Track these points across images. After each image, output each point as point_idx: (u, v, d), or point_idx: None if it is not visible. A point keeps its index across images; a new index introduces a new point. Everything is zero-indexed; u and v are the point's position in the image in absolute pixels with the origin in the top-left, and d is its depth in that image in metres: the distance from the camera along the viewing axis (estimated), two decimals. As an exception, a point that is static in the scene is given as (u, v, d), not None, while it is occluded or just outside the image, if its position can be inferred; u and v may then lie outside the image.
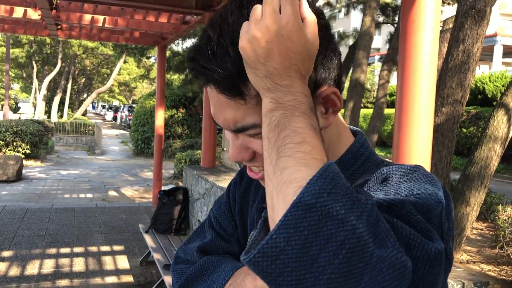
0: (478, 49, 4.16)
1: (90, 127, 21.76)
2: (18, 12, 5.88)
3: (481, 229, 6.97)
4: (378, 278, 0.48)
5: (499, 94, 16.53)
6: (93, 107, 62.25)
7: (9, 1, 5.70)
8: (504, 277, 4.93)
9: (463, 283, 1.82)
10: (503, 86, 16.66)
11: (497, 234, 5.89)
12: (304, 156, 0.54)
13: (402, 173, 0.68)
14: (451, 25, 5.29)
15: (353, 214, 0.48)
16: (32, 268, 4.66)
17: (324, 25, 0.71)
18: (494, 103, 16.15)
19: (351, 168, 0.80)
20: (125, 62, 30.25)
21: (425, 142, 1.98)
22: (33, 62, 30.20)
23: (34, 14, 5.94)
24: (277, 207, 0.53)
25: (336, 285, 0.47)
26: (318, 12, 0.71)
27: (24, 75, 34.86)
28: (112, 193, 9.68)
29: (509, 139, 5.17)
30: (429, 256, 0.53)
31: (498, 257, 5.58)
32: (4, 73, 26.50)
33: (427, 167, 2.08)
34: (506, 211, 6.24)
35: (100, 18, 6.16)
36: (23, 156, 11.85)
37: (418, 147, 1.96)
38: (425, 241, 0.54)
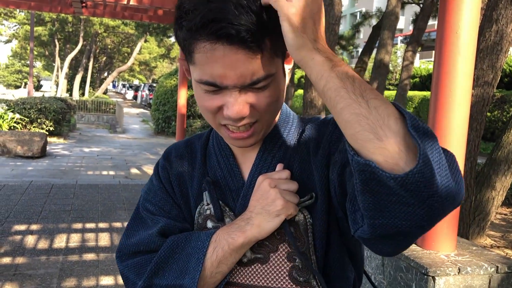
0: None
1: (111, 106, 21.97)
2: (45, -11, 5.91)
3: (505, 214, 6.88)
4: (452, 169, 0.66)
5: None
6: (114, 86, 62.75)
7: (36, -22, 5.73)
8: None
9: (497, 266, 1.81)
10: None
11: (522, 219, 5.82)
12: (382, 98, 0.68)
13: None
14: (482, 5, 5.14)
15: (431, 129, 0.66)
16: (59, 242, 4.78)
17: None
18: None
19: (287, 126, 0.96)
20: (146, 41, 30.32)
21: (461, 123, 1.94)
22: (56, 40, 30.47)
23: (60, -9, 5.97)
24: (385, 136, 0.64)
25: (448, 177, 0.64)
26: None
27: (47, 53, 35.23)
28: (134, 170, 9.80)
29: (539, 123, 5.05)
30: (451, 156, 0.70)
31: (523, 243, 5.51)
32: (28, 51, 26.80)
33: (462, 149, 2.05)
34: (532, 197, 6.14)
35: (125, -5, 6.16)
36: (47, 133, 12.05)
37: (454, 129, 1.93)
38: (444, 148, 0.70)
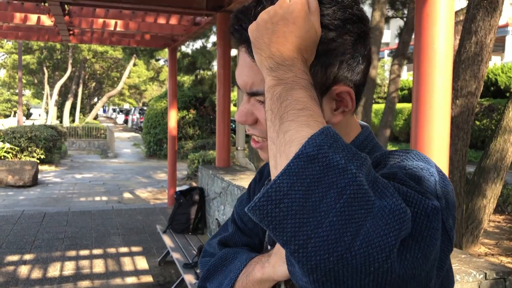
0: (491, 40, 4.14)
1: (102, 131, 21.94)
2: (32, 19, 5.96)
3: (499, 222, 6.93)
4: (380, 223, 0.50)
5: None
6: (104, 111, 62.68)
7: (23, 9, 5.78)
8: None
9: (485, 273, 1.83)
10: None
11: (515, 226, 5.86)
12: (306, 119, 0.58)
13: (396, 156, 0.71)
14: (462, 17, 5.26)
15: (353, 165, 0.52)
16: (53, 271, 4.74)
17: (360, 31, 0.74)
18: (508, 94, 16.00)
19: None
20: (134, 65, 30.44)
21: (442, 135, 1.99)
22: (44, 68, 30.51)
23: (47, 21, 6.02)
24: (280, 165, 0.56)
25: (338, 227, 0.50)
26: (361, 17, 0.74)
27: (36, 81, 35.23)
28: (127, 195, 9.77)
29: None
30: (426, 211, 0.55)
31: (517, 249, 5.54)
32: (17, 80, 26.81)
33: (445, 160, 2.09)
34: (523, 203, 6.20)
35: (112, 22, 6.23)
36: (38, 161, 11.99)
37: (435, 141, 1.97)
38: (421, 198, 0.56)
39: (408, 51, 11.85)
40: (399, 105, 16.32)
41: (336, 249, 0.49)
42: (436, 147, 1.98)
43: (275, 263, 0.80)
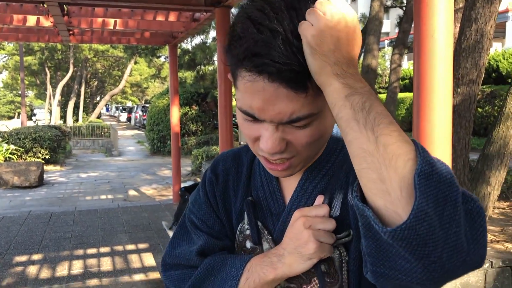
0: (491, 27, 4.13)
1: (106, 129, 21.98)
2: (31, 20, 5.97)
3: (503, 208, 6.91)
4: (475, 226, 0.61)
5: (515, 72, 16.27)
6: (107, 109, 62.80)
7: (22, 11, 5.79)
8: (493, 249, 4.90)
9: (491, 262, 1.84)
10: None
11: (520, 212, 5.85)
12: (400, 134, 0.62)
13: None
14: (461, 5, 5.23)
15: (452, 175, 0.59)
16: (62, 270, 4.78)
17: None
18: (509, 80, 15.92)
19: (334, 154, 0.89)
20: (136, 63, 30.44)
21: (444, 123, 1.99)
22: (46, 69, 30.56)
23: (46, 22, 6.03)
24: (389, 179, 0.59)
25: (461, 237, 0.58)
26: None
27: (38, 82, 35.30)
28: (132, 192, 9.81)
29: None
30: (478, 209, 0.62)
31: (522, 235, 5.53)
32: (19, 81, 26.86)
33: (448, 149, 2.10)
34: (528, 189, 6.19)
35: (111, 21, 6.23)
36: (43, 161, 12.04)
37: (437, 130, 1.98)
38: (471, 196, 0.63)
39: (408, 40, 11.81)
40: (400, 95, 16.28)
41: (461, 255, 0.59)
42: (438, 136, 1.98)
43: (292, 262, 0.82)
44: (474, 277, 1.78)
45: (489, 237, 5.43)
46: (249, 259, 0.88)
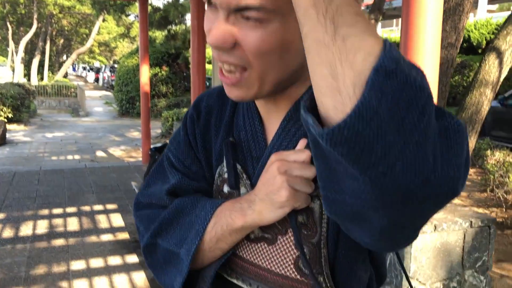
0: (472, -11, 4.06)
1: (72, 89, 21.33)
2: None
3: (470, 175, 7.08)
4: (451, 143, 0.51)
5: (484, 42, 16.48)
6: (74, 69, 60.86)
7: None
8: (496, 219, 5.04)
9: (471, 221, 1.81)
10: (488, 33, 16.59)
11: (486, 178, 5.99)
12: (365, 26, 0.50)
13: None
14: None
15: (426, 83, 0.49)
16: (26, 230, 4.62)
17: None
18: (480, 50, 16.12)
19: None
20: (104, 20, 29.38)
21: (432, 81, 1.92)
22: (8, 23, 29.14)
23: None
24: (342, 75, 0.49)
25: (424, 149, 0.48)
26: None
27: (-1, 37, 33.74)
28: (100, 153, 9.58)
29: (500, 83, 5.15)
30: (456, 126, 0.54)
31: (488, 200, 5.69)
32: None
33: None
34: (495, 156, 6.32)
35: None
36: (5, 120, 11.58)
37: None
38: (449, 113, 0.54)
39: (384, 7, 11.71)
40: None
41: (422, 171, 0.48)
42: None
43: (262, 210, 0.74)
44: (454, 236, 1.76)
45: (457, 202, 5.55)
46: (221, 203, 0.81)
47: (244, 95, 0.74)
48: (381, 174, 0.47)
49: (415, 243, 1.78)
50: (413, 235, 0.61)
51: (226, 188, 0.85)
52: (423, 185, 0.48)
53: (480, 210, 5.29)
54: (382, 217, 0.53)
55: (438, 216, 1.91)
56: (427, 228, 1.79)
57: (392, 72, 0.47)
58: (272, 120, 0.82)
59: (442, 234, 1.75)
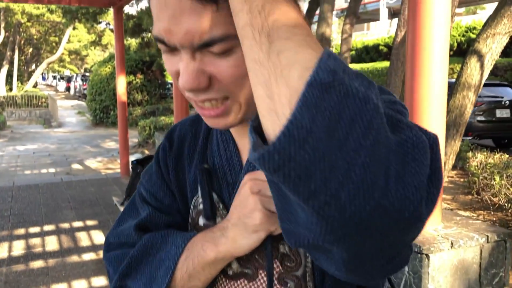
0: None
1: (43, 99, 20.80)
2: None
3: (452, 177, 7.11)
4: (407, 160, 0.43)
5: (455, 44, 16.78)
6: (44, 78, 59.53)
7: None
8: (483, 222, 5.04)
9: (487, 236, 1.74)
10: (459, 35, 16.90)
11: (470, 181, 6.01)
12: (305, 38, 0.45)
13: None
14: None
15: (372, 93, 0.42)
16: (1, 252, 4.37)
17: None
18: (451, 53, 16.40)
19: None
20: (74, 28, 28.84)
21: (440, 92, 1.84)
22: (-27, 33, 28.27)
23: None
24: (278, 94, 0.44)
25: (372, 170, 0.40)
26: None
27: (-35, 47, 32.70)
28: (75, 166, 9.29)
29: (482, 86, 5.18)
30: (415, 139, 0.46)
31: (474, 203, 5.70)
32: None
33: (443, 121, 1.95)
34: (477, 158, 6.36)
35: (49, -23, 5.66)
36: (-26, 133, 11.16)
37: (432, 97, 1.82)
38: (416, 128, 0.48)
39: (358, 10, 11.80)
40: (351, 66, 16.44)
41: (372, 195, 0.40)
42: (435, 106, 1.83)
43: (235, 236, 0.68)
44: (470, 252, 1.67)
45: (443, 205, 5.54)
46: (193, 236, 0.75)
47: (232, 121, 0.67)
48: (324, 204, 0.40)
49: (432, 262, 1.70)
50: (390, 266, 0.52)
51: (202, 221, 0.78)
52: (376, 211, 0.41)
53: (467, 213, 5.29)
54: (341, 250, 0.46)
55: (452, 232, 1.83)
56: (444, 245, 1.71)
57: (329, 85, 0.41)
58: (246, 142, 0.76)
59: (459, 251, 1.67)
